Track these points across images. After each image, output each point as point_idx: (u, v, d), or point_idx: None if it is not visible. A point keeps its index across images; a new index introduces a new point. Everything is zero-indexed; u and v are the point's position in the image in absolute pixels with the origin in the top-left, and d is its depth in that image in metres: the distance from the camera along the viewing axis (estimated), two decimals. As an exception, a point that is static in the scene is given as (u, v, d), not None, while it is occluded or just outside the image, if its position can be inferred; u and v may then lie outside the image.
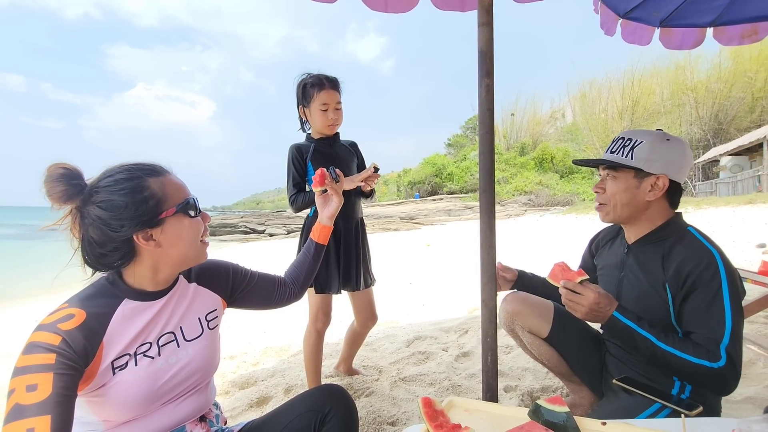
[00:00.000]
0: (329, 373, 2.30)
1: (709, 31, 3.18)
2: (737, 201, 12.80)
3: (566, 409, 0.96)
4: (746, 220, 9.63)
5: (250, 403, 2.04)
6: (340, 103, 1.91)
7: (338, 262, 1.94)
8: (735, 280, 1.16)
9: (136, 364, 0.89)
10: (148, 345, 0.92)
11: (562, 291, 1.18)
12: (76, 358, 0.78)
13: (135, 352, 0.89)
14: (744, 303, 2.45)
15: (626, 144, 1.27)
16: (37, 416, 0.70)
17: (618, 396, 1.33)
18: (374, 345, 2.83)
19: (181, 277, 1.03)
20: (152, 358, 0.91)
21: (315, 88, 1.85)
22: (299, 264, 1.29)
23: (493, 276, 1.26)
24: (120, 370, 0.87)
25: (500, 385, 1.99)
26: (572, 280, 1.17)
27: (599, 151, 30.90)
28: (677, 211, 1.33)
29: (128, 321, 0.89)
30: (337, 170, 1.31)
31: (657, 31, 3.18)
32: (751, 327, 2.51)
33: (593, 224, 13.18)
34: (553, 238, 10.49)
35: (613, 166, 1.28)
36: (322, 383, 2.09)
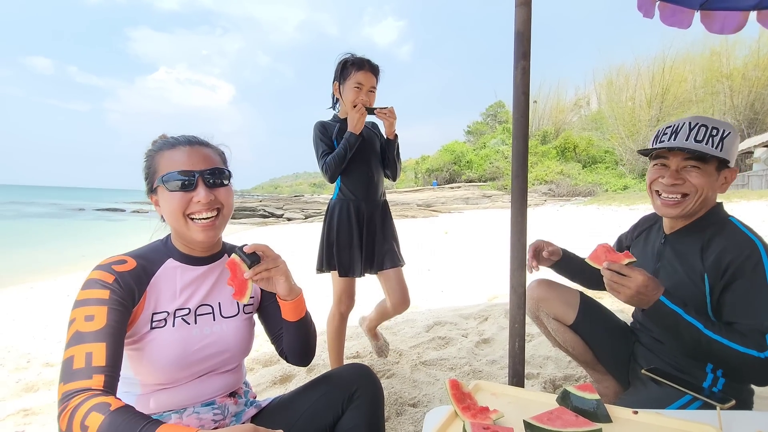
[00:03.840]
0: (351, 353, 2.35)
1: (753, 14, 3.02)
2: (770, 195, 12.27)
3: (597, 396, 0.95)
4: (779, 214, 9.24)
5: (274, 380, 2.10)
6: (374, 88, 1.93)
7: (361, 245, 1.94)
8: None
9: (173, 325, 0.95)
10: (187, 310, 0.98)
11: (605, 273, 1.13)
12: (126, 296, 0.88)
13: (174, 314, 0.96)
14: None
15: (713, 133, 1.18)
16: (95, 342, 0.81)
17: (646, 386, 1.31)
18: (394, 329, 2.87)
19: (226, 255, 1.08)
20: (189, 324, 0.97)
21: (354, 66, 1.88)
22: (285, 339, 1.11)
23: (523, 262, 1.25)
24: (158, 327, 0.93)
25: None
26: (618, 262, 1.13)
27: (624, 140, 29.95)
28: (718, 201, 1.28)
29: (170, 277, 0.98)
30: (248, 250, 0.95)
31: (697, 14, 3.03)
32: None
33: (616, 216, 12.87)
34: (574, 229, 10.31)
35: (702, 157, 1.19)
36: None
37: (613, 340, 1.50)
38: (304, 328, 1.06)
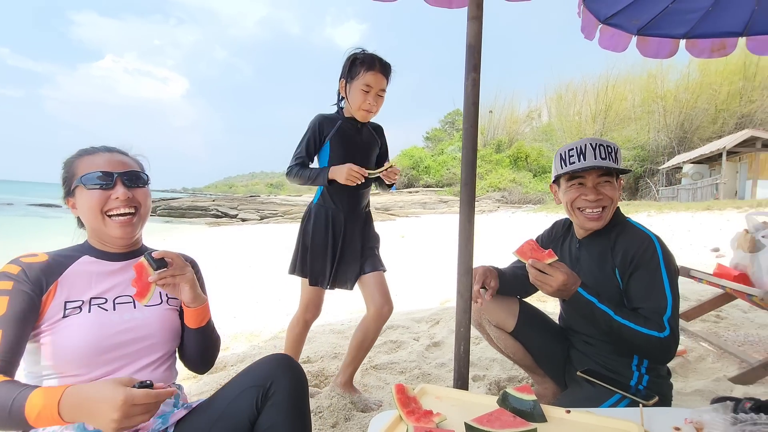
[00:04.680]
0: (301, 358, 2.30)
1: (682, 42, 3.33)
2: (696, 207, 13.50)
3: (533, 397, 1.00)
4: (703, 225, 10.19)
5: (218, 388, 2.01)
6: (384, 91, 1.81)
7: (333, 258, 1.85)
8: (671, 260, 1.29)
9: (89, 311, 0.96)
10: (104, 300, 0.99)
11: (531, 270, 1.25)
12: (31, 287, 0.91)
13: (90, 302, 0.97)
14: (698, 303, 2.61)
15: (610, 150, 1.35)
16: None
17: (581, 387, 1.40)
18: (346, 333, 2.85)
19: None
20: (106, 310, 0.98)
21: (364, 65, 1.74)
22: (185, 344, 1.12)
23: (469, 268, 1.29)
24: (72, 314, 0.94)
25: (469, 374, 2.05)
26: (542, 261, 1.24)
27: (572, 152, 31.74)
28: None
29: (84, 270, 1.00)
30: (158, 255, 0.98)
31: (634, 38, 3.30)
32: (703, 325, 2.67)
33: (562, 223, 13.57)
34: (523, 235, 10.79)
35: (611, 172, 1.36)
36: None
37: (549, 345, 1.58)
38: (204, 336, 1.09)
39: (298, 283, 1.95)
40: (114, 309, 0.99)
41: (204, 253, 7.85)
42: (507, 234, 11.40)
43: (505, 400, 1.02)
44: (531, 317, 1.62)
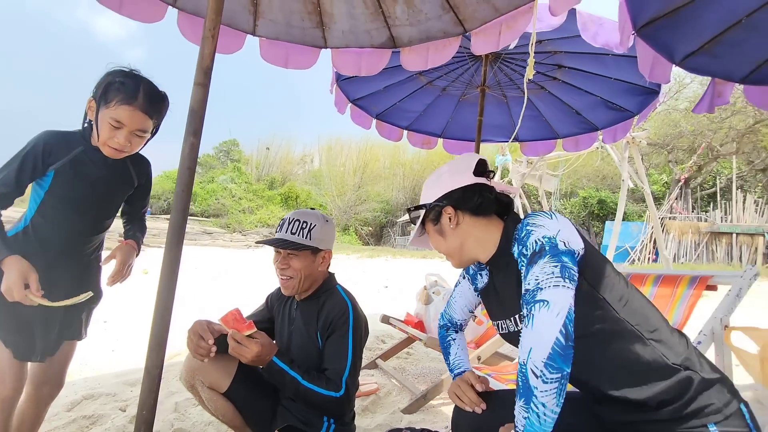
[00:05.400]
0: None
1: (405, 132, 4.34)
2: (417, 255, 17.18)
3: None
4: (418, 269, 13.01)
5: None
6: (145, 132, 1.37)
7: (22, 311, 1.33)
8: (359, 325, 1.52)
9: None
10: None
11: (230, 341, 1.30)
12: None
13: None
14: (392, 345, 3.21)
15: (303, 227, 1.52)
16: None
17: (279, 444, 1.48)
18: (15, 414, 2.13)
19: None
20: None
21: (120, 95, 1.29)
22: None
23: (163, 341, 1.20)
24: None
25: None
26: (241, 332, 1.31)
27: (335, 198, 35.48)
28: (332, 272, 1.67)
29: None
30: None
31: (374, 121, 4.07)
32: (397, 362, 3.31)
33: (320, 263, 14.72)
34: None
35: (296, 247, 1.50)
36: None
37: (260, 404, 1.62)
38: None
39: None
40: None
41: None
42: (268, 269, 11.44)
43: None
44: (247, 376, 1.63)
